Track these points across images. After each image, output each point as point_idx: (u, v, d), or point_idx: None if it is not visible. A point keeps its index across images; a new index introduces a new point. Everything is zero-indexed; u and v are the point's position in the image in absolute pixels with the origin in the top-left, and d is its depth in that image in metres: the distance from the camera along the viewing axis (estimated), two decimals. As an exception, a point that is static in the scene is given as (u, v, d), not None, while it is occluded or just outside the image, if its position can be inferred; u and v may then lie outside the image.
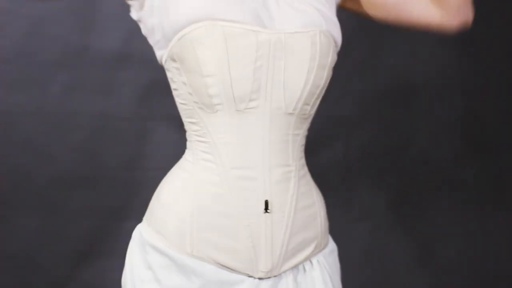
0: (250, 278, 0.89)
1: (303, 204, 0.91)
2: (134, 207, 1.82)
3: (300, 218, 0.91)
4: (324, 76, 0.88)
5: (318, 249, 0.94)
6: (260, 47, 0.82)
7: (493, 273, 1.98)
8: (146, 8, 0.90)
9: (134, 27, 1.73)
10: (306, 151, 1.95)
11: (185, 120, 0.91)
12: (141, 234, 0.94)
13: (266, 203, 0.87)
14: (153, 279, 0.91)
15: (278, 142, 0.87)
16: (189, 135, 0.91)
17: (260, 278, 0.89)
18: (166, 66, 0.90)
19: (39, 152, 1.77)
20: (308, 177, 0.95)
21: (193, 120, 0.89)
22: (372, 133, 1.87)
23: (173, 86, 0.91)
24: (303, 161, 0.93)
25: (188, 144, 0.92)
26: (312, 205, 0.93)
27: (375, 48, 1.84)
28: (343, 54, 1.92)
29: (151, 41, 0.92)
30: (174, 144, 1.82)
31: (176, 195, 0.91)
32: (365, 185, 1.90)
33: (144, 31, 0.95)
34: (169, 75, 0.90)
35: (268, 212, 0.87)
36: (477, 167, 1.93)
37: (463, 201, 1.95)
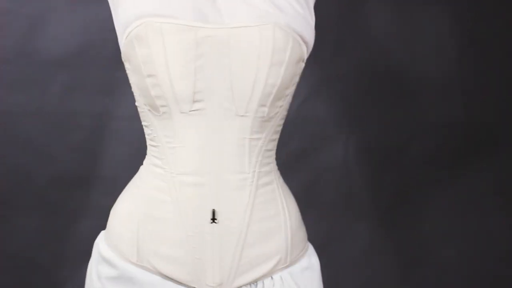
0: None
1: (261, 215, 0.82)
2: (134, 207, 1.82)
3: (257, 230, 0.82)
4: (281, 74, 0.78)
5: (283, 265, 0.85)
6: (201, 44, 0.76)
7: (493, 273, 1.98)
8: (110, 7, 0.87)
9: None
10: (306, 152, 1.95)
11: (142, 123, 0.87)
12: (97, 243, 0.93)
13: (213, 212, 0.80)
14: None
15: (231, 146, 0.79)
16: (146, 139, 0.88)
17: None
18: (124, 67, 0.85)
19: (39, 152, 1.77)
20: (274, 185, 0.85)
21: (146, 123, 0.85)
22: (372, 133, 1.87)
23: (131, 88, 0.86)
24: (268, 167, 0.84)
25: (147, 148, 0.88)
26: (274, 216, 0.84)
27: (376, 49, 1.84)
28: (343, 55, 1.93)
29: None
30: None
31: (125, 203, 0.88)
32: (365, 185, 1.90)
33: None
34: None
35: (215, 222, 0.80)
36: (477, 167, 1.93)
37: (463, 201, 1.95)
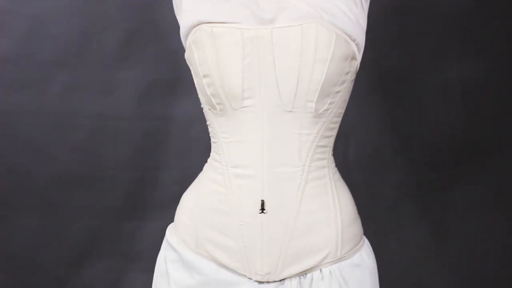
0: (249, 281, 0.86)
1: (310, 207, 0.85)
2: (134, 207, 1.82)
3: (304, 221, 0.85)
4: (324, 71, 0.81)
5: (332, 259, 0.87)
6: (247, 44, 0.81)
7: (493, 273, 1.98)
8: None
9: (134, 27, 1.74)
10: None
11: (206, 123, 0.92)
12: (167, 230, 0.99)
13: (262, 202, 0.84)
14: (165, 272, 0.94)
15: (282, 141, 0.83)
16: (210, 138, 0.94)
17: (260, 282, 0.86)
18: None
19: (39, 152, 1.77)
20: (327, 180, 0.88)
21: (208, 122, 0.91)
22: (372, 133, 1.87)
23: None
24: (321, 163, 0.87)
25: None
26: (324, 209, 0.86)
27: (376, 49, 1.83)
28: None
29: None
30: (174, 144, 1.83)
31: (189, 193, 0.95)
32: (365, 185, 1.90)
33: None
34: None
35: (264, 212, 0.84)
36: (477, 167, 1.93)
37: (464, 201, 1.95)
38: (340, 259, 0.87)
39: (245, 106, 0.83)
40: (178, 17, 0.94)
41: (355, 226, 0.92)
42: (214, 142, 0.90)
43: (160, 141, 1.81)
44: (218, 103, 0.85)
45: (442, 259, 1.97)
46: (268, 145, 0.84)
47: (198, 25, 0.85)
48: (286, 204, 0.84)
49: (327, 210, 0.87)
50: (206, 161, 0.94)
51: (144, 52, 1.74)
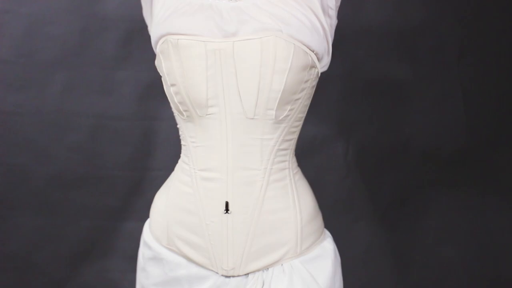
0: (217, 275, 0.95)
1: (271, 207, 0.92)
2: (134, 207, 1.82)
3: (265, 221, 0.92)
4: (283, 81, 0.85)
5: (292, 254, 0.94)
6: (210, 56, 0.86)
7: (493, 273, 1.98)
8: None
9: (133, 27, 1.74)
10: (307, 152, 1.95)
11: (177, 126, 0.98)
12: (143, 229, 1.06)
13: (226, 204, 0.91)
14: (142, 268, 1.03)
15: (242, 146, 0.89)
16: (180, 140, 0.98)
17: (226, 276, 0.94)
18: None
19: (38, 152, 1.76)
20: (287, 181, 0.94)
21: (178, 126, 0.96)
22: (372, 133, 1.87)
23: None
24: (282, 165, 0.93)
25: None
26: (284, 209, 0.93)
27: (376, 49, 1.83)
28: (344, 55, 1.92)
29: None
30: (174, 144, 1.83)
31: (160, 192, 1.02)
32: (365, 185, 1.90)
33: None
34: None
35: (228, 213, 0.91)
36: (477, 167, 1.93)
37: (463, 201, 1.95)
38: (300, 254, 0.94)
39: (210, 114, 0.89)
40: (149, 28, 1.00)
41: (315, 222, 0.98)
42: (183, 145, 0.96)
43: (159, 141, 1.81)
44: (185, 110, 0.90)
45: (442, 259, 1.97)
46: (232, 150, 0.89)
47: (165, 35, 0.89)
48: (249, 205, 0.91)
49: (287, 210, 0.93)
50: None
51: (144, 52, 1.74)
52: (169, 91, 0.91)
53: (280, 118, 0.89)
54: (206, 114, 0.89)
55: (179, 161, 0.99)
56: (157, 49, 0.91)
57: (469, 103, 1.88)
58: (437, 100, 1.88)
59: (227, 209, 0.91)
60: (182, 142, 0.96)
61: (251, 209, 0.91)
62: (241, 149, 0.89)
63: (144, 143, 1.81)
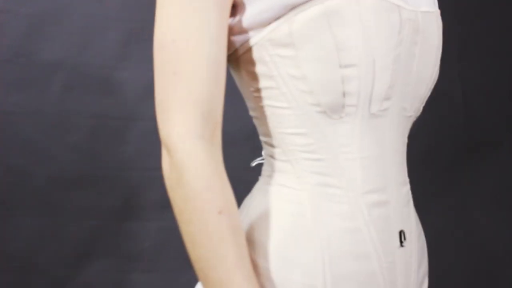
0: None
1: (419, 230, 0.72)
2: (134, 207, 1.82)
3: (420, 247, 0.71)
4: (438, 68, 0.70)
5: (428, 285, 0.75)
6: (403, 29, 0.62)
7: (493, 273, 1.98)
8: None
9: (133, 27, 1.74)
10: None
11: (279, 130, 0.65)
12: None
13: (400, 233, 0.66)
14: None
15: (399, 153, 0.67)
16: (286, 152, 0.65)
17: None
18: (251, 56, 0.63)
19: (39, 152, 1.76)
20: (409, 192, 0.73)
21: (301, 131, 0.63)
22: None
23: (262, 83, 0.64)
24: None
25: (282, 165, 0.66)
26: (421, 230, 0.74)
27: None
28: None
29: (236, 18, 0.63)
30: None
31: (291, 241, 0.64)
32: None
33: None
34: (254, 68, 0.64)
35: (402, 246, 0.66)
36: (477, 167, 1.93)
37: (463, 201, 1.95)
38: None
39: (382, 110, 0.63)
40: None
41: None
42: (315, 160, 0.64)
43: (159, 141, 1.81)
44: (350, 105, 0.61)
45: (442, 259, 1.97)
46: (391, 160, 0.66)
47: None
48: (411, 230, 0.69)
49: (422, 230, 0.74)
50: None
51: (144, 52, 1.74)
52: (332, 75, 0.59)
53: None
54: (378, 111, 0.63)
55: (307, 184, 0.64)
56: (315, 7, 0.58)
57: (469, 103, 1.89)
58: (437, 100, 1.88)
59: (401, 241, 0.66)
60: (310, 156, 0.64)
61: (414, 235, 0.69)
62: (397, 158, 0.67)
63: (144, 143, 1.80)
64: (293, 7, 0.59)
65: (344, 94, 0.60)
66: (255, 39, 0.61)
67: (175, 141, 0.59)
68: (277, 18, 0.60)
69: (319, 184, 0.63)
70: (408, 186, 0.69)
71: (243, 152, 1.60)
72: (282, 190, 0.66)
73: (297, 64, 0.60)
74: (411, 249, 0.67)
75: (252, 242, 0.65)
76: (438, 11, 0.68)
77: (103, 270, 1.85)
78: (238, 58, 0.65)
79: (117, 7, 1.72)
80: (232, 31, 0.63)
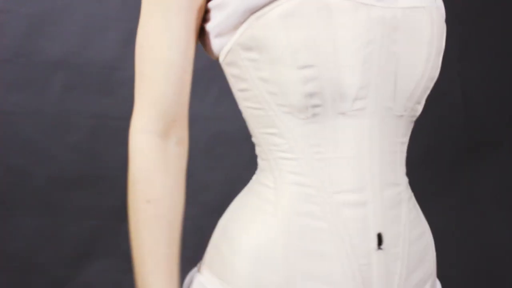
0: None
1: (415, 234, 0.69)
2: (134, 207, 1.82)
3: (416, 252, 0.69)
4: (439, 65, 0.68)
5: (432, 281, 0.73)
6: (372, 27, 0.61)
7: (493, 273, 1.98)
8: None
9: (133, 27, 1.74)
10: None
11: (258, 130, 0.67)
12: (200, 284, 0.69)
13: (379, 236, 0.65)
14: None
15: (388, 153, 0.66)
16: (265, 151, 0.67)
17: None
18: (229, 59, 0.66)
19: (38, 152, 1.76)
20: (414, 197, 0.73)
21: (274, 131, 0.65)
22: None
23: (239, 86, 0.67)
24: (406, 177, 0.71)
25: (263, 164, 0.68)
26: (423, 234, 0.71)
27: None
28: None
29: (210, 23, 0.66)
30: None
31: (257, 234, 0.66)
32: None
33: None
34: (233, 71, 0.66)
35: (380, 249, 0.65)
36: (477, 167, 1.93)
37: (463, 201, 1.95)
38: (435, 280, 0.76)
39: (355, 110, 0.63)
40: None
41: None
42: (290, 159, 0.65)
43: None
44: (315, 105, 0.62)
45: (442, 259, 1.97)
46: (379, 160, 0.65)
47: None
48: (399, 234, 0.67)
49: (424, 235, 0.72)
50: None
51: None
52: (292, 77, 0.61)
53: (418, 114, 0.70)
54: (351, 110, 0.62)
55: (281, 184, 0.65)
56: (272, 10, 0.60)
57: (469, 103, 1.89)
58: (437, 100, 1.88)
59: (380, 244, 0.65)
60: (286, 155, 0.65)
61: (402, 239, 0.67)
62: (386, 158, 0.65)
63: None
64: (252, 12, 0.61)
65: (306, 95, 0.61)
66: (230, 44, 0.64)
67: (130, 134, 0.66)
68: (242, 22, 0.62)
69: (295, 183, 0.65)
70: (400, 188, 0.68)
71: (242, 152, 1.60)
72: (260, 189, 0.68)
73: (261, 67, 0.63)
74: (396, 253, 0.66)
75: (228, 238, 0.68)
76: (433, 6, 0.67)
77: (103, 270, 1.85)
78: (222, 62, 0.68)
79: (117, 7, 1.72)
80: (210, 35, 0.66)
